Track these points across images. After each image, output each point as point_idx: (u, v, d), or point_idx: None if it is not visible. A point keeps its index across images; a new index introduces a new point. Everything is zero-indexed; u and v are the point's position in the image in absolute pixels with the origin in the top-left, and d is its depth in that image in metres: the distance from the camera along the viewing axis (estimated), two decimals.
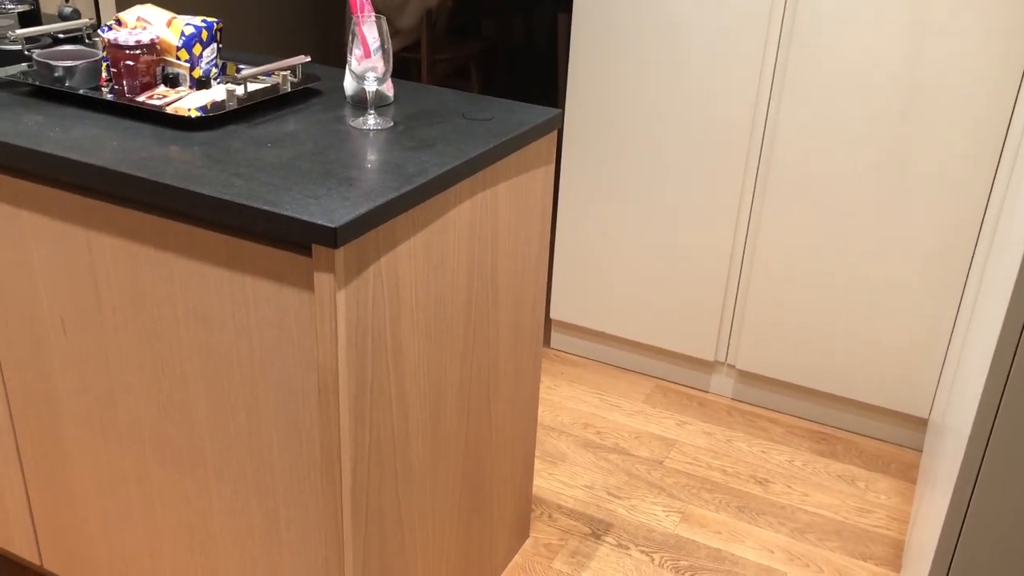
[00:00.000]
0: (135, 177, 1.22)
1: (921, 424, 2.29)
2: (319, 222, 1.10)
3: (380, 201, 1.17)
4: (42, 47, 1.63)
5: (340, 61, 4.27)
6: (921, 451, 2.30)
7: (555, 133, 1.60)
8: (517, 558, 1.91)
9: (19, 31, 1.61)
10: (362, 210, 1.14)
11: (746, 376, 2.45)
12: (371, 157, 1.32)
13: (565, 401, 2.44)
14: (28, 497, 1.62)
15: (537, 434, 2.28)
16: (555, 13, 4.48)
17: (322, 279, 1.13)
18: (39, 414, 1.52)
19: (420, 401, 1.39)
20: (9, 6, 1.72)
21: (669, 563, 1.91)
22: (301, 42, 4.11)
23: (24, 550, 1.69)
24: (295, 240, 1.13)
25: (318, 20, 4.18)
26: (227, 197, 1.15)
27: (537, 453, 2.23)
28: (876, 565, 1.93)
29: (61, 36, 1.70)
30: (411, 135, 1.42)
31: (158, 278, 1.28)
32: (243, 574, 1.43)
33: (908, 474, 2.22)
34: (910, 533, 1.92)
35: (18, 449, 1.58)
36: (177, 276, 1.26)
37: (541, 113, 1.56)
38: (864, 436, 2.35)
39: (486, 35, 4.51)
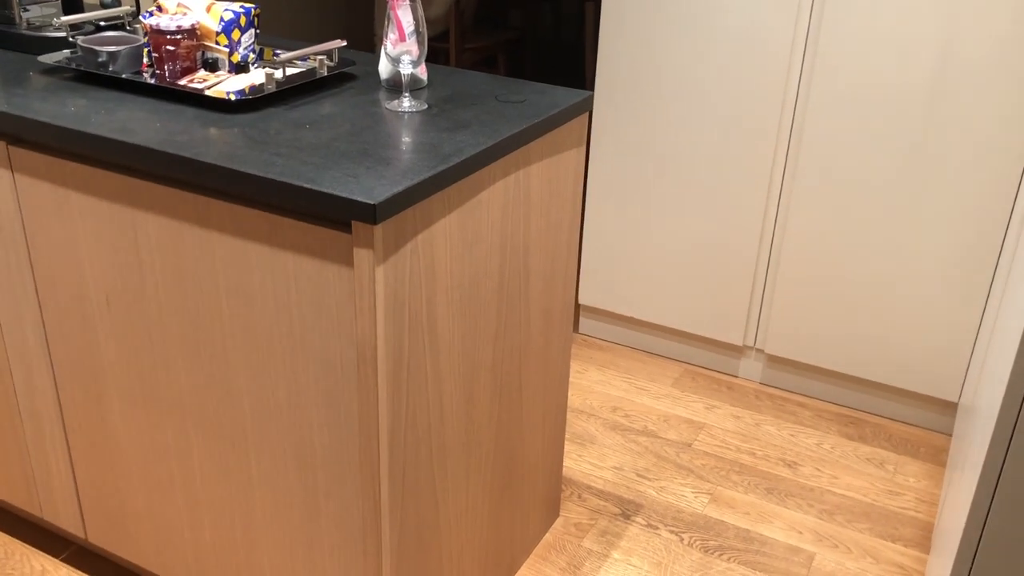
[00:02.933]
0: (179, 157, 1.25)
1: (950, 408, 2.29)
2: (359, 199, 1.13)
3: (417, 179, 1.19)
4: (85, 34, 1.67)
5: (367, 46, 4.31)
6: (951, 435, 2.30)
7: (586, 115, 1.62)
8: (548, 536, 1.94)
9: (63, 18, 1.65)
10: (400, 188, 1.16)
11: (775, 360, 2.46)
12: (407, 138, 1.35)
13: (594, 385, 2.47)
14: (73, 472, 1.67)
15: (567, 416, 2.31)
16: (582, 2, 4.48)
17: (361, 255, 1.16)
18: (84, 390, 1.57)
19: (454, 379, 1.41)
20: None
21: (698, 543, 1.93)
22: (327, 28, 4.15)
23: (70, 524, 1.74)
24: (335, 217, 1.16)
25: (345, 6, 4.22)
26: (269, 176, 1.18)
27: (567, 435, 2.25)
28: (905, 546, 1.94)
29: (103, 23, 1.74)
30: (445, 117, 1.44)
31: (200, 255, 1.32)
32: (281, 546, 1.47)
33: (937, 458, 2.22)
34: (939, 516, 1.92)
35: (64, 425, 1.63)
36: (219, 253, 1.30)
37: (573, 95, 1.58)
38: (893, 420, 2.36)
39: (513, 25, 4.52)
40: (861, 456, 2.22)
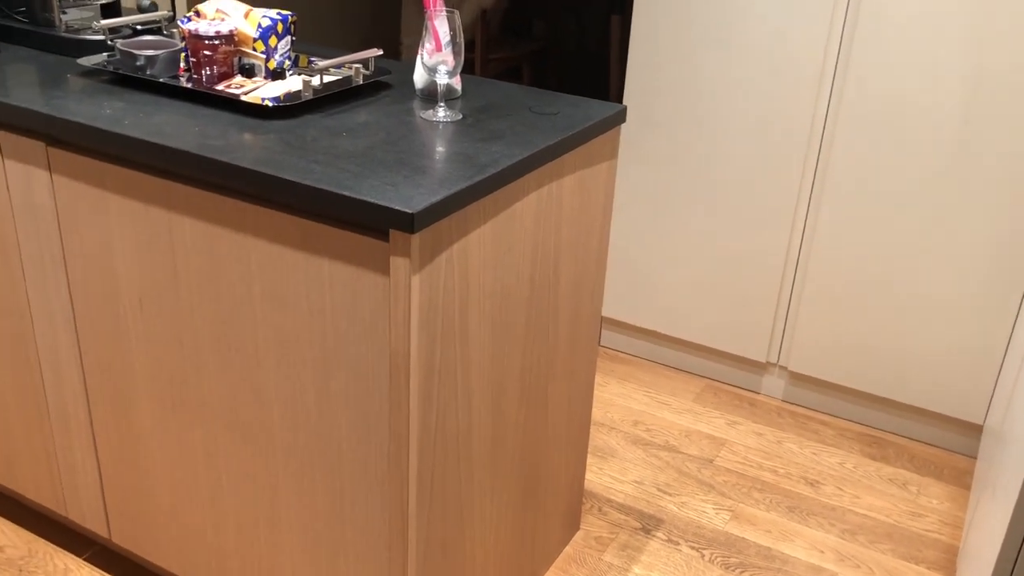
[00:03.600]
0: (217, 161, 1.26)
1: (975, 430, 2.27)
2: (397, 208, 1.13)
3: (454, 189, 1.20)
4: (123, 37, 1.69)
5: (393, 54, 4.33)
6: (975, 457, 2.28)
7: (619, 129, 1.62)
8: (568, 549, 1.93)
9: (102, 22, 1.67)
10: (438, 197, 1.17)
11: (798, 378, 2.45)
12: (442, 148, 1.35)
13: (615, 398, 2.46)
14: (99, 472, 1.68)
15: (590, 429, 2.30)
16: (608, 15, 4.49)
17: (398, 263, 1.16)
18: (114, 390, 1.58)
19: (483, 388, 1.41)
20: None
21: (719, 560, 1.92)
22: (353, 35, 4.17)
23: (94, 523, 1.74)
24: (372, 225, 1.16)
25: (371, 14, 4.24)
26: (308, 182, 1.19)
27: (588, 448, 2.25)
28: (928, 569, 1.93)
29: (140, 27, 1.76)
30: (480, 127, 1.45)
31: (235, 260, 1.32)
32: (306, 552, 1.47)
33: (961, 480, 2.20)
34: (964, 539, 1.91)
35: (92, 424, 1.64)
36: (254, 258, 1.30)
37: (606, 108, 1.58)
38: (916, 441, 2.34)
39: (538, 36, 4.53)
40: (884, 476, 2.20)
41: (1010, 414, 1.68)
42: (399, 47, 4.34)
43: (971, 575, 1.60)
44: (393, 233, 1.15)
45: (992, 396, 2.18)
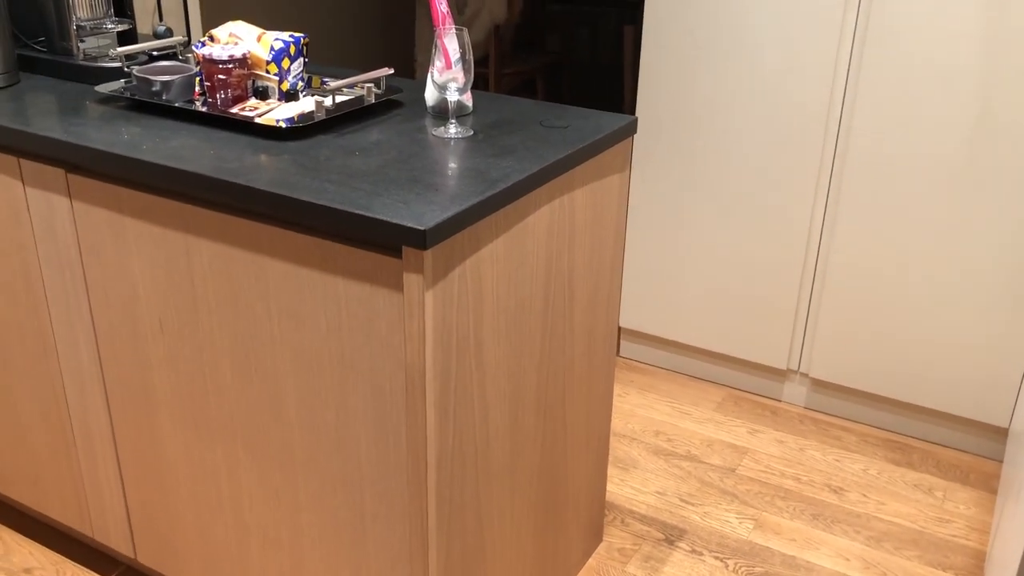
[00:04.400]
0: (232, 184, 1.28)
1: (1001, 434, 2.25)
2: (410, 225, 1.14)
3: (466, 205, 1.21)
4: (139, 63, 1.72)
5: (407, 72, 4.36)
6: (1001, 461, 2.25)
7: (630, 140, 1.63)
8: (591, 561, 1.93)
9: (119, 49, 1.70)
10: (449, 213, 1.18)
11: (819, 385, 2.43)
12: (454, 164, 1.37)
13: (636, 409, 2.46)
14: (124, 492, 1.70)
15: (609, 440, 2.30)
16: (620, 26, 4.51)
17: (411, 280, 1.17)
18: (136, 410, 1.60)
19: (500, 402, 1.42)
20: (109, 26, 1.81)
21: (743, 569, 1.91)
22: (367, 54, 4.20)
23: (120, 543, 1.76)
24: (386, 243, 1.18)
25: (384, 32, 4.27)
26: (322, 202, 1.20)
27: (609, 459, 2.24)
28: (956, 575, 1.91)
29: (156, 53, 1.78)
30: (491, 143, 1.46)
31: (252, 280, 1.34)
32: (328, 567, 1.48)
33: (988, 484, 2.18)
34: (992, 544, 1.88)
35: (116, 445, 1.66)
36: (271, 277, 1.32)
37: (617, 120, 1.59)
38: (941, 445, 2.32)
39: (551, 49, 4.55)
40: (909, 482, 2.18)
41: None
42: (413, 64, 4.37)
43: None
44: (406, 250, 1.17)
45: (1017, 399, 2.16)
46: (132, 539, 1.74)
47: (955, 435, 2.30)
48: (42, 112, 1.56)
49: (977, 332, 2.16)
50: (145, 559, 1.74)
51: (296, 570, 1.52)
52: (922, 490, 2.16)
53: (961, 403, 2.23)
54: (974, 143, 2.03)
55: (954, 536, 2.02)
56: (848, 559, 1.94)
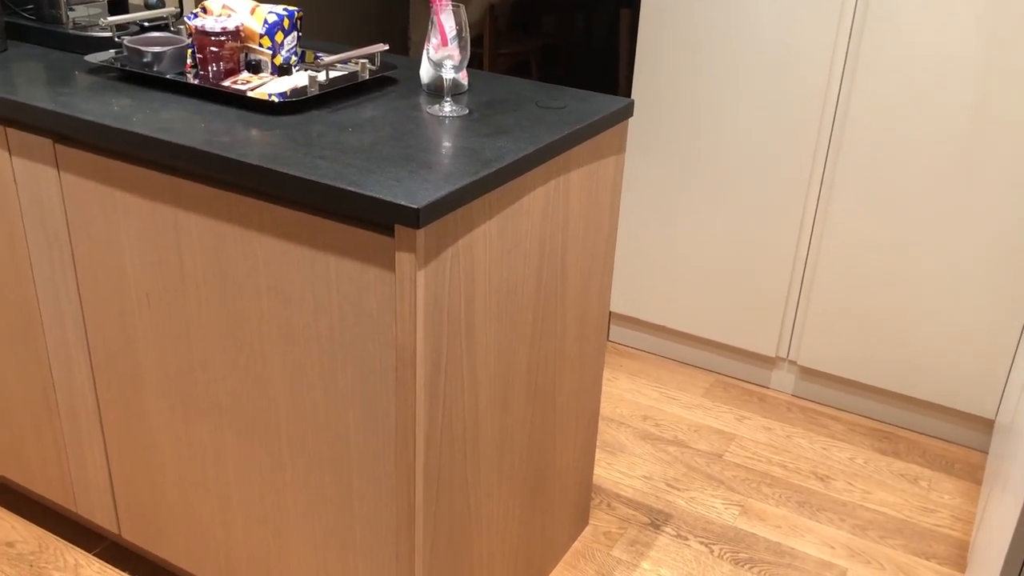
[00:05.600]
0: (223, 158, 1.26)
1: (987, 425, 2.26)
2: (403, 203, 1.13)
3: (459, 184, 1.19)
4: (130, 34, 1.69)
5: (402, 49, 4.33)
6: (987, 452, 2.26)
7: (626, 123, 1.61)
8: (577, 544, 1.93)
9: (109, 19, 1.67)
10: (443, 192, 1.16)
11: (808, 372, 2.43)
12: (448, 143, 1.35)
13: (624, 393, 2.46)
14: (109, 468, 1.69)
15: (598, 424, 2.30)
16: (617, 9, 4.48)
17: (403, 258, 1.16)
18: (122, 386, 1.58)
19: (490, 383, 1.41)
20: None
21: (728, 555, 1.92)
22: (361, 30, 4.17)
23: (104, 519, 1.75)
24: (378, 220, 1.16)
25: (379, 9, 4.24)
26: (314, 178, 1.19)
27: (597, 443, 2.24)
28: (939, 564, 1.92)
29: (146, 24, 1.76)
30: (486, 122, 1.45)
31: (241, 255, 1.32)
32: (314, 547, 1.47)
33: (973, 475, 2.19)
34: (975, 534, 1.89)
35: (101, 421, 1.65)
36: (260, 254, 1.30)
37: (613, 102, 1.58)
38: (927, 435, 2.33)
39: (547, 31, 4.53)
40: (895, 472, 2.19)
41: (1020, 408, 1.66)
42: (407, 42, 4.33)
43: (981, 570, 1.59)
44: (398, 228, 1.15)
45: (1004, 391, 2.17)
46: (116, 515, 1.73)
47: (942, 426, 2.31)
48: (30, 81, 1.54)
49: (966, 324, 2.16)
50: (129, 535, 1.73)
51: (281, 548, 1.52)
52: (908, 479, 2.17)
53: (948, 394, 2.24)
54: (969, 135, 2.03)
55: (938, 526, 2.03)
56: (833, 547, 1.95)
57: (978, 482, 2.17)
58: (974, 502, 2.11)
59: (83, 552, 1.86)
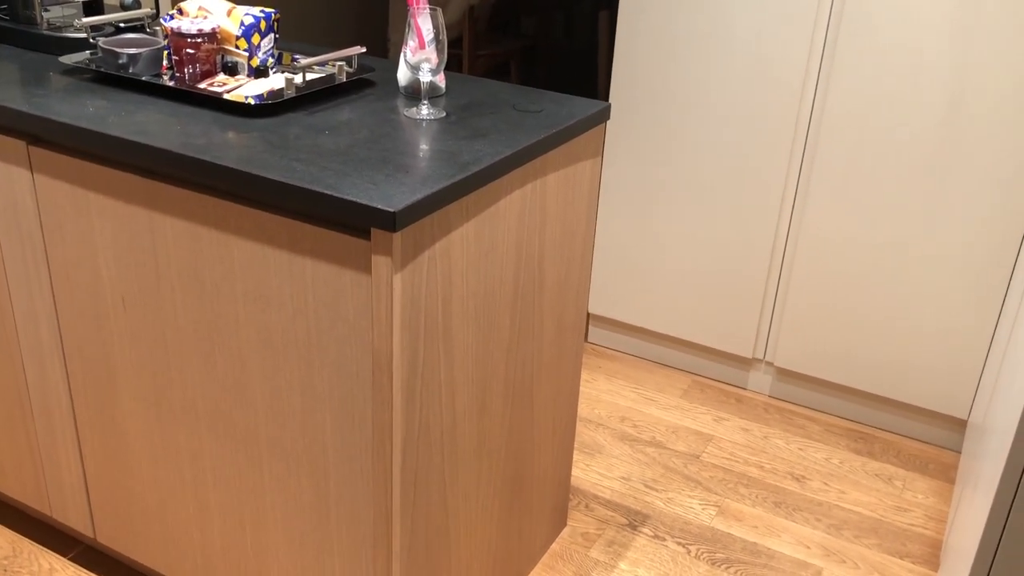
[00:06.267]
0: (198, 161, 1.26)
1: (960, 425, 2.28)
2: (379, 206, 1.13)
3: (436, 187, 1.20)
4: (105, 35, 1.68)
5: (381, 52, 4.32)
6: (960, 452, 2.29)
7: (603, 126, 1.62)
8: (555, 546, 1.94)
9: (84, 20, 1.66)
10: (419, 195, 1.17)
11: (784, 374, 2.45)
12: (425, 145, 1.35)
13: (602, 395, 2.46)
14: (84, 471, 1.67)
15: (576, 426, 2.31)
16: (596, 11, 4.49)
17: (380, 262, 1.16)
18: (97, 389, 1.57)
19: (467, 387, 1.41)
20: None
21: (705, 555, 1.93)
22: (340, 33, 4.16)
23: (79, 523, 1.74)
24: (354, 224, 1.16)
25: (357, 11, 4.23)
26: (290, 181, 1.18)
27: (575, 445, 2.25)
28: (913, 563, 1.94)
29: (122, 25, 1.75)
30: (464, 125, 1.45)
31: (217, 259, 1.32)
32: (291, 550, 1.47)
33: (947, 475, 2.22)
34: (948, 533, 1.92)
35: (76, 423, 1.63)
36: (237, 257, 1.30)
37: (590, 105, 1.58)
38: (902, 436, 2.35)
39: (526, 32, 4.53)
40: (870, 472, 2.21)
41: (992, 408, 1.69)
42: (386, 44, 4.33)
43: (954, 568, 1.61)
44: (375, 232, 1.15)
45: (976, 391, 2.20)
46: (91, 518, 1.72)
47: (916, 426, 2.33)
48: (4, 82, 1.53)
49: (939, 326, 2.19)
50: (104, 539, 1.72)
51: (259, 552, 1.51)
52: (882, 479, 2.19)
53: (923, 394, 2.26)
54: (943, 135, 2.05)
55: (912, 525, 2.05)
56: (808, 547, 1.97)
57: (951, 481, 2.19)
58: (947, 501, 2.13)
59: (58, 556, 1.84)
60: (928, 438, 2.33)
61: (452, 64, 3.92)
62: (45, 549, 1.86)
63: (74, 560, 1.84)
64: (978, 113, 2.00)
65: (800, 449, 2.28)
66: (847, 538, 2.00)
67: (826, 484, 2.16)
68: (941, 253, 2.13)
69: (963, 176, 2.06)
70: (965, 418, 2.24)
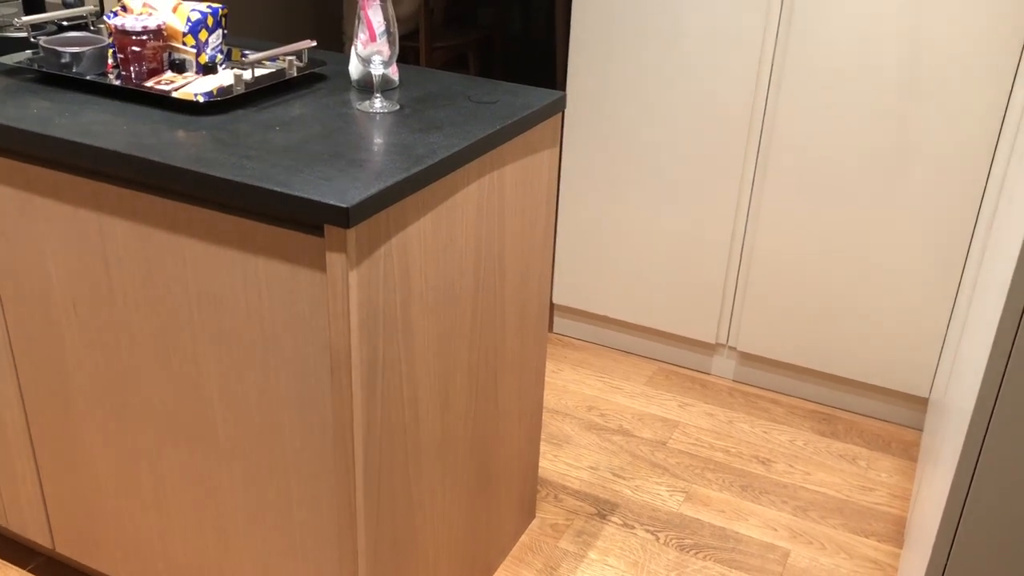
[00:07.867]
0: (147, 160, 1.23)
1: (921, 404, 2.31)
2: (331, 202, 1.11)
3: (391, 182, 1.18)
4: (47, 34, 1.64)
5: (336, 46, 4.28)
6: (922, 430, 2.32)
7: (560, 116, 1.61)
8: (524, 538, 1.93)
9: (25, 18, 1.62)
10: (373, 190, 1.15)
11: (747, 358, 2.47)
12: (379, 139, 1.34)
13: (569, 384, 2.46)
14: (40, 480, 1.64)
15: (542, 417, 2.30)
16: (552, 1, 4.48)
17: (334, 259, 1.15)
18: (51, 396, 1.54)
19: (429, 381, 1.40)
20: None
21: (674, 541, 1.94)
22: (295, 28, 4.11)
23: (37, 534, 1.70)
24: (307, 221, 1.14)
25: (313, 5, 4.18)
26: (239, 179, 1.16)
27: (542, 436, 2.25)
28: (878, 542, 1.96)
29: (65, 23, 1.71)
30: (418, 118, 1.43)
31: (169, 260, 1.29)
32: (255, 553, 1.45)
33: (909, 453, 2.24)
34: (911, 510, 1.94)
35: (30, 432, 1.60)
36: (189, 258, 1.27)
37: (546, 96, 1.57)
38: (865, 416, 2.38)
39: (483, 23, 4.51)
40: (834, 452, 2.23)
41: (951, 386, 1.71)
42: (341, 37, 4.28)
43: (917, 545, 1.63)
44: (328, 228, 1.13)
45: (936, 370, 2.22)
46: (50, 529, 1.68)
47: (878, 406, 2.36)
48: None
49: (898, 307, 2.21)
50: (64, 549, 1.69)
51: (222, 557, 1.49)
52: (847, 460, 2.21)
53: (884, 375, 2.29)
54: (899, 118, 2.07)
55: (877, 504, 2.07)
56: (776, 529, 1.98)
57: (914, 459, 2.22)
58: (911, 479, 2.16)
59: (17, 569, 1.80)
60: (890, 417, 2.36)
61: (409, 57, 3.89)
62: (3, 562, 1.82)
63: (33, 572, 1.80)
64: (934, 97, 2.02)
65: (765, 432, 2.30)
66: (813, 519, 2.01)
67: (791, 466, 2.18)
68: (899, 235, 2.15)
69: (918, 160, 2.08)
70: (926, 396, 2.27)
